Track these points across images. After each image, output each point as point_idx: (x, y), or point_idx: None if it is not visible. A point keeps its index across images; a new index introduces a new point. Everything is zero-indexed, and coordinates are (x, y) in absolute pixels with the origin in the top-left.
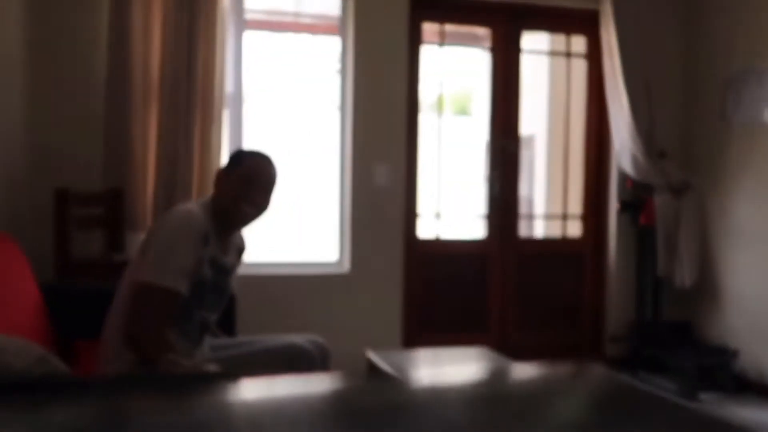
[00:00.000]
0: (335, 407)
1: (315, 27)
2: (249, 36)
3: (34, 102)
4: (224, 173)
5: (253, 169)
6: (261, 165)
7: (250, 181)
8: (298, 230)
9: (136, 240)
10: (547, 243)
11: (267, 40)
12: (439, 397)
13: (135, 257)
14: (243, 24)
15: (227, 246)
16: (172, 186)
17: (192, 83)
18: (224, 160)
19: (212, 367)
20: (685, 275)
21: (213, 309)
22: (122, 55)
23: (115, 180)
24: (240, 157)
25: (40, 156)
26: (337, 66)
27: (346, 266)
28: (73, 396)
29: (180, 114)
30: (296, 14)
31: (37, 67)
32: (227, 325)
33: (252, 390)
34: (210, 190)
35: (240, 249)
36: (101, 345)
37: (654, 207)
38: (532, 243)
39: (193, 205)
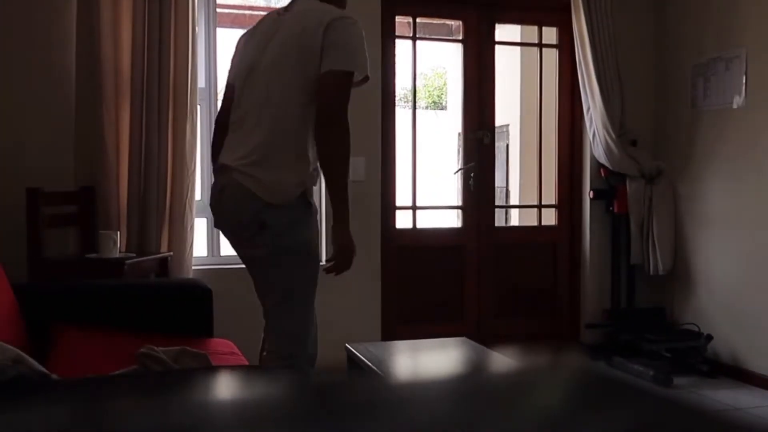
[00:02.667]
0: (315, 402)
1: None
2: (221, 31)
3: (2, 101)
4: None
5: None
6: None
7: None
8: None
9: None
10: (522, 232)
11: (239, 36)
12: (419, 390)
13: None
14: (215, 19)
15: None
16: (146, 184)
17: (164, 79)
18: (198, 156)
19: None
20: (659, 262)
21: None
22: (92, 51)
23: (87, 179)
24: None
25: (11, 155)
26: None
27: (322, 260)
28: (50, 397)
29: (152, 111)
30: (268, 9)
31: (4, 65)
32: (202, 320)
33: (228, 386)
34: (184, 187)
35: None
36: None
37: (627, 195)
38: (508, 232)
39: None
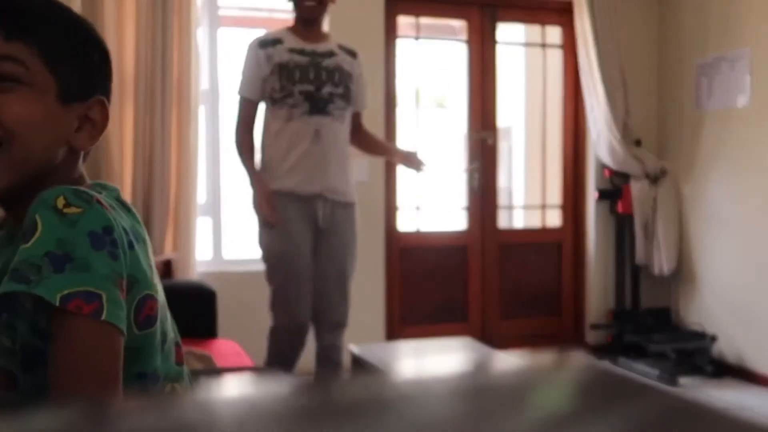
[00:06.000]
0: (320, 402)
1: (290, 23)
2: (224, 33)
3: None
4: None
5: None
6: None
7: None
8: None
9: None
10: (526, 233)
11: (242, 37)
12: (424, 389)
13: None
14: (217, 20)
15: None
16: (150, 185)
17: (167, 81)
18: (201, 157)
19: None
20: (663, 262)
21: (312, 83)
22: None
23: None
24: None
25: None
26: None
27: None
28: (54, 399)
29: (156, 112)
30: (271, 10)
31: None
32: (206, 323)
33: (234, 387)
34: (188, 189)
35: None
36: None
37: (631, 195)
38: (512, 233)
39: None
